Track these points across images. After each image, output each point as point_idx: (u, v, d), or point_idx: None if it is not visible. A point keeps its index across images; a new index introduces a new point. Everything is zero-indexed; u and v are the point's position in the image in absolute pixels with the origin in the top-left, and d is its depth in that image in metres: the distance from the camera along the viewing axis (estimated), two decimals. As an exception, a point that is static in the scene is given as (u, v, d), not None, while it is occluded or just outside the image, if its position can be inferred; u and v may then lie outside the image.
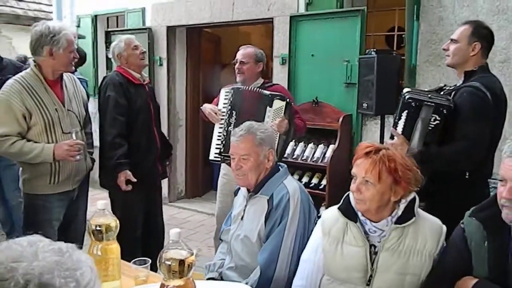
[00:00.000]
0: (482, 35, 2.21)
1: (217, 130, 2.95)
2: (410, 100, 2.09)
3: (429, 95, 2.10)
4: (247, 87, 2.91)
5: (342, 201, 1.69)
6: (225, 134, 2.84)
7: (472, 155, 2.05)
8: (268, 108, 2.77)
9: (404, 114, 2.12)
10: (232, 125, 2.80)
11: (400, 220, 1.56)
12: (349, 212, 1.64)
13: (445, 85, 2.38)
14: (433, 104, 2.04)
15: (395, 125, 2.20)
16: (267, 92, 2.82)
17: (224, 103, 2.93)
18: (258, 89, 2.88)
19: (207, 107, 2.99)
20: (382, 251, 1.56)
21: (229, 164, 2.90)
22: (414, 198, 1.59)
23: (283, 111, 2.78)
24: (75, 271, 0.74)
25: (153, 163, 2.98)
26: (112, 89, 2.79)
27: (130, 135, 2.84)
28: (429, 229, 1.57)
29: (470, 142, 2.04)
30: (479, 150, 2.06)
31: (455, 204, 1.88)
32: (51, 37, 2.33)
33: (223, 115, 2.90)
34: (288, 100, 2.81)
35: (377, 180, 1.52)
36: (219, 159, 2.91)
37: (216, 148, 2.92)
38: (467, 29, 2.21)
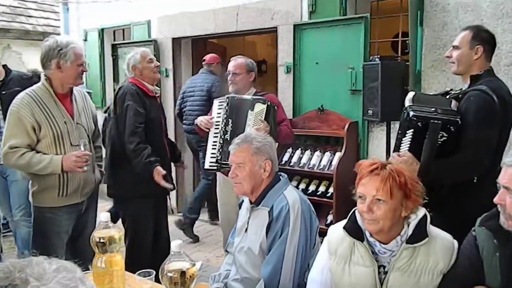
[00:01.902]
0: (483, 38, 2.21)
1: (211, 140, 3.00)
2: (414, 119, 2.02)
3: (433, 109, 2.04)
4: (238, 96, 3.00)
5: (347, 219, 1.64)
6: (221, 142, 2.89)
7: (480, 162, 2.02)
8: (249, 111, 2.84)
9: (410, 133, 2.06)
10: (228, 133, 2.85)
11: (412, 240, 1.51)
12: (355, 231, 1.59)
13: (451, 89, 2.37)
14: (439, 122, 1.98)
15: (399, 141, 2.14)
16: (249, 97, 2.92)
17: (218, 113, 2.99)
18: (241, 95, 2.99)
19: (199, 118, 3.08)
20: (392, 271, 1.52)
21: (224, 173, 2.93)
22: (425, 216, 1.54)
23: (263, 114, 2.83)
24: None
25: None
26: (130, 98, 2.77)
27: (149, 142, 2.83)
28: (441, 247, 1.52)
29: (477, 149, 2.01)
30: (486, 156, 2.03)
31: (465, 210, 1.89)
32: (58, 51, 2.38)
33: (217, 124, 2.96)
34: (269, 103, 2.85)
35: (389, 197, 1.47)
36: (215, 167, 2.94)
37: (211, 157, 2.95)
38: (467, 34, 2.22)
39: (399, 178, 1.47)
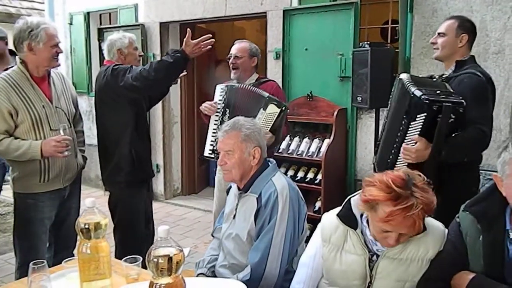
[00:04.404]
0: (468, 28, 2.35)
1: (212, 127, 2.93)
2: (427, 102, 2.01)
3: (438, 91, 2.07)
4: (243, 85, 2.88)
5: (341, 207, 1.63)
6: (218, 131, 2.82)
7: (486, 137, 2.14)
8: (261, 110, 2.70)
9: (421, 117, 2.06)
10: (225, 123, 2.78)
11: None
12: (349, 219, 1.58)
13: (433, 75, 2.48)
14: (450, 104, 2.01)
15: (406, 125, 2.12)
16: (266, 94, 2.74)
17: (219, 100, 2.91)
18: (255, 88, 2.83)
19: (203, 104, 2.98)
20: (382, 259, 1.53)
21: None
22: None
23: (275, 117, 2.71)
24: None
25: (150, 158, 2.97)
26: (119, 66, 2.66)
27: (141, 127, 2.79)
28: (431, 236, 1.52)
29: (481, 126, 2.11)
30: (490, 131, 2.15)
31: (454, 188, 2.05)
32: (29, 32, 2.29)
33: (218, 112, 2.88)
34: (284, 108, 2.71)
35: (415, 230, 1.45)
36: (213, 156, 2.89)
37: (210, 144, 2.90)
38: (453, 23, 2.35)
39: (429, 206, 1.41)
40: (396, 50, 3.45)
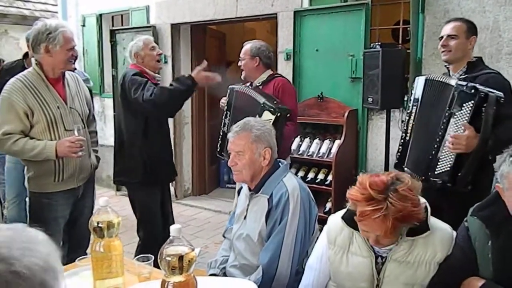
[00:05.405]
0: (474, 30, 2.40)
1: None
2: (475, 89, 2.04)
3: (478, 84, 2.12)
4: (241, 89, 2.92)
5: (346, 209, 1.63)
6: (221, 134, 2.87)
7: None
8: (257, 116, 2.66)
9: (469, 105, 2.07)
10: (226, 125, 2.81)
11: (412, 233, 1.49)
12: (354, 221, 1.56)
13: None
14: (494, 94, 2.04)
15: (449, 116, 2.13)
16: (262, 100, 2.72)
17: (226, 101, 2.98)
18: (254, 92, 2.83)
19: (222, 99, 3.10)
20: (389, 262, 1.52)
21: None
22: (426, 208, 1.50)
23: (270, 123, 2.63)
24: (32, 244, 0.74)
25: (169, 160, 3.00)
26: (136, 77, 2.72)
27: (153, 132, 2.82)
28: (439, 240, 1.50)
29: None
30: None
31: (479, 184, 2.10)
32: (47, 34, 2.33)
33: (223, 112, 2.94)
34: (279, 114, 2.64)
35: (393, 233, 1.44)
36: (224, 156, 2.93)
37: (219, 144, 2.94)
38: (462, 25, 2.37)
39: (403, 216, 1.40)
40: (408, 51, 3.44)
